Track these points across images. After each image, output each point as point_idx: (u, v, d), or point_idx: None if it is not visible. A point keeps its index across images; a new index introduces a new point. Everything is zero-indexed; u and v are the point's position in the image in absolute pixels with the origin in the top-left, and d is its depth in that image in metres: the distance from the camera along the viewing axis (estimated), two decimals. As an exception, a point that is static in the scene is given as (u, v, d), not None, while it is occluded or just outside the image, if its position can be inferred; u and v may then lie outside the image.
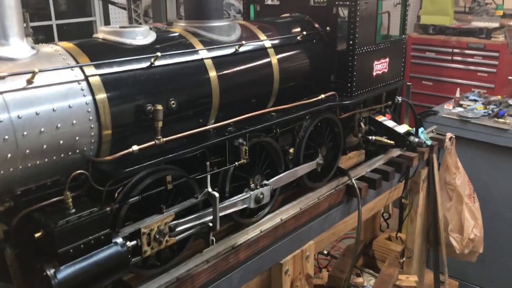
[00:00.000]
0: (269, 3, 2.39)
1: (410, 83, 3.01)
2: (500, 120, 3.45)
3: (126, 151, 1.46)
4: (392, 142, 2.47)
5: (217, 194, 1.70)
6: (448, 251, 3.10)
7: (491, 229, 3.28)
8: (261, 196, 1.95)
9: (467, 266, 3.33)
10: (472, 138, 3.48)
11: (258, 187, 1.94)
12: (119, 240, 1.44)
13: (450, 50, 4.88)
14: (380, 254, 3.25)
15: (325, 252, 3.31)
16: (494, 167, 3.46)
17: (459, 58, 4.87)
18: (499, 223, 3.43)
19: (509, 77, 3.67)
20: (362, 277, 3.09)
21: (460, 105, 3.74)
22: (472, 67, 4.78)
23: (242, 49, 1.82)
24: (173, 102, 1.58)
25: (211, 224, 1.75)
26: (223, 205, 1.80)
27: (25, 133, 1.28)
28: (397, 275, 3.01)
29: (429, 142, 2.92)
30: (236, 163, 1.77)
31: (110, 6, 4.30)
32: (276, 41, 1.99)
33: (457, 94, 3.79)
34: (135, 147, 1.47)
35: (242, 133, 1.75)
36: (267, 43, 1.95)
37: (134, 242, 1.52)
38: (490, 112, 3.57)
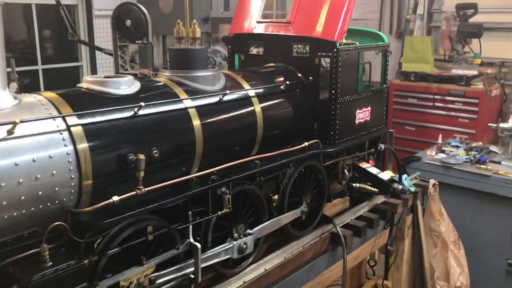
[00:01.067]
0: (253, 53, 2.44)
1: (392, 130, 3.05)
2: (482, 166, 3.49)
3: (106, 201, 1.43)
4: (376, 189, 2.48)
5: (199, 245, 1.66)
6: (435, 300, 3.06)
7: (478, 277, 3.25)
8: (245, 246, 1.92)
9: (455, 314, 3.27)
10: (455, 184, 3.51)
11: (241, 236, 1.91)
12: (96, 295, 1.40)
13: (432, 96, 4.99)
14: (367, 303, 3.20)
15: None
16: (479, 213, 3.47)
17: (440, 105, 4.97)
18: (485, 271, 3.40)
19: (489, 124, 3.74)
20: (348, 328, 3.01)
21: (443, 151, 3.79)
22: (453, 113, 4.88)
23: (226, 98, 1.84)
24: (156, 151, 1.58)
25: (192, 276, 1.70)
26: (205, 255, 1.76)
27: (3, 184, 1.26)
28: (385, 325, 2.95)
29: (412, 189, 2.94)
30: (219, 212, 1.75)
31: (97, 52, 4.34)
32: (260, 90, 2.02)
33: (439, 140, 3.85)
34: (115, 198, 1.45)
35: (226, 181, 1.74)
36: (251, 92, 1.97)
37: (112, 296, 1.47)
38: (472, 158, 3.62)
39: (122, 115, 1.54)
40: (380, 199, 2.80)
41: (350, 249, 2.57)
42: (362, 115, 2.37)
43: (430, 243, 3.11)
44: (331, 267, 2.50)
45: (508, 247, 3.36)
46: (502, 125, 3.64)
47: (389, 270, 3.16)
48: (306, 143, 2.12)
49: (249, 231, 1.96)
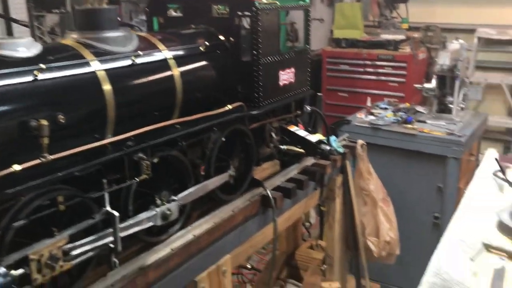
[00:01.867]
0: (172, 15, 2.34)
1: (321, 94, 3.08)
2: (408, 126, 3.62)
3: (6, 171, 1.34)
4: (303, 150, 2.50)
5: (116, 213, 1.60)
6: (367, 255, 3.17)
7: (407, 231, 3.40)
8: (168, 213, 1.87)
9: (387, 268, 3.42)
10: (384, 145, 3.62)
11: (164, 203, 1.87)
12: (1, 270, 1.31)
13: (362, 62, 5.09)
14: (303, 263, 3.26)
15: (249, 266, 3.27)
16: (406, 171, 3.62)
17: (371, 70, 5.09)
18: (413, 225, 3.57)
19: (415, 85, 3.87)
20: (285, 289, 3.07)
21: (372, 114, 3.89)
22: (383, 78, 5.02)
23: (139, 60, 1.75)
24: (61, 117, 1.48)
25: (112, 246, 1.64)
26: (126, 224, 1.70)
27: None
28: (319, 283, 3.03)
29: (341, 150, 2.99)
30: (137, 179, 1.69)
31: (14, 24, 4.05)
32: (177, 52, 1.94)
33: (368, 103, 3.94)
34: (17, 167, 1.35)
35: (142, 147, 1.67)
36: (167, 54, 1.90)
37: (21, 271, 1.39)
38: (399, 119, 3.74)
39: (20, 80, 1.42)
40: (309, 161, 2.83)
41: (281, 210, 2.58)
42: (286, 76, 2.36)
43: (360, 201, 3.20)
44: (263, 230, 2.51)
45: (434, 202, 3.54)
46: (426, 85, 3.78)
47: (323, 230, 3.24)
48: (229, 106, 2.08)
49: (173, 197, 1.91)
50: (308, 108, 2.67)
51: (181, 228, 2.05)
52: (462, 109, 3.86)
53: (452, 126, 3.59)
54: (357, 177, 3.19)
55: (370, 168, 3.22)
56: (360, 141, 3.17)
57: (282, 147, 2.50)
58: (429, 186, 3.52)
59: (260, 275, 3.05)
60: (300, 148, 2.51)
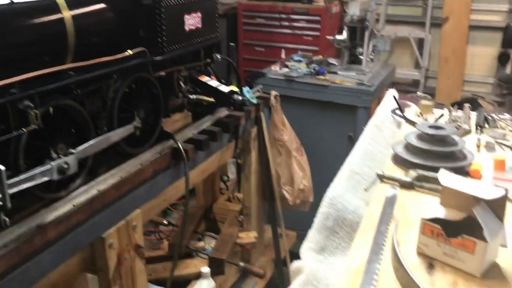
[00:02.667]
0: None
1: (233, 44, 3.00)
2: (321, 77, 3.67)
3: None
4: (212, 99, 2.44)
5: (2, 168, 1.46)
6: (282, 204, 3.24)
7: (320, 179, 3.49)
8: (66, 166, 1.75)
9: (302, 215, 3.51)
10: (297, 96, 3.66)
11: (61, 156, 1.74)
12: None
13: (278, 15, 5.05)
14: (221, 216, 3.27)
15: (166, 222, 3.22)
16: (319, 121, 3.70)
17: (286, 23, 5.07)
18: (326, 172, 3.66)
19: (327, 37, 3.92)
20: (203, 241, 3.07)
21: (286, 66, 3.90)
22: (298, 32, 5.02)
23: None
24: None
25: (1, 203, 1.51)
26: (16, 179, 1.57)
27: None
28: (237, 233, 3.05)
29: (255, 101, 2.97)
30: (24, 129, 1.54)
31: None
32: (67, -9, 1.77)
33: (283, 56, 3.94)
34: None
35: (27, 94, 1.52)
36: (56, -6, 1.72)
37: None
38: (312, 70, 3.78)
39: None
40: (223, 113, 2.78)
41: (195, 163, 2.53)
42: (192, 21, 2.26)
43: (275, 152, 3.23)
44: (175, 183, 2.45)
45: (345, 150, 3.64)
46: (337, 37, 3.83)
47: (240, 182, 3.25)
48: (130, 51, 1.95)
49: (71, 150, 1.78)
50: (218, 56, 2.59)
51: (85, 183, 1.94)
52: (372, 60, 3.97)
53: (362, 76, 3.69)
54: (271, 128, 3.21)
55: (284, 119, 3.25)
56: (273, 92, 3.17)
57: (191, 96, 2.42)
58: (341, 135, 3.63)
59: (177, 230, 3.02)
60: (209, 97, 2.45)
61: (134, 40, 2.07)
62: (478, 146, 1.55)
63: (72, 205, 1.84)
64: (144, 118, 2.19)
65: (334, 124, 3.65)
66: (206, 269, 2.70)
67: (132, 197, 2.16)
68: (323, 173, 3.74)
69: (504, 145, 1.50)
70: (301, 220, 3.83)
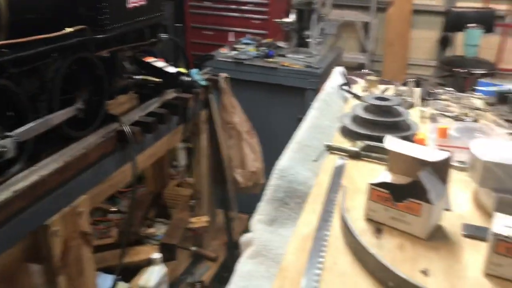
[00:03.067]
0: None
1: (181, 25, 2.93)
2: (269, 60, 3.66)
3: None
4: (158, 80, 2.37)
5: None
6: (234, 187, 3.22)
7: (271, 160, 3.50)
8: (3, 150, 1.65)
9: (254, 199, 3.51)
10: (247, 79, 3.64)
11: (-4, 139, 1.63)
12: None
13: (225, -2, 4.99)
14: (172, 201, 3.21)
15: (115, 209, 3.13)
16: (269, 103, 3.70)
17: (234, 7, 5.02)
18: (277, 153, 3.68)
19: (274, 20, 3.91)
20: (154, 228, 3.01)
21: (235, 49, 3.86)
22: (246, 15, 4.98)
23: None
24: None
25: None
26: None
27: None
28: (188, 218, 3.01)
29: (204, 83, 2.92)
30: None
31: None
32: (-3, -38, 1.65)
33: (232, 38, 3.90)
34: None
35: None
36: (-17, -36, 1.60)
37: None
38: (261, 53, 3.76)
39: None
40: (170, 95, 2.72)
41: (142, 147, 2.46)
42: (135, -2, 2.18)
43: (226, 135, 3.20)
44: (122, 168, 2.37)
45: (294, 131, 3.68)
46: (285, 19, 3.83)
47: (191, 167, 3.20)
48: (69, 29, 1.85)
49: (8, 133, 1.68)
50: (165, 36, 2.52)
51: (25, 168, 1.84)
52: (319, 43, 4.00)
53: (310, 59, 3.71)
54: (221, 111, 3.17)
55: (234, 101, 3.22)
56: (223, 74, 3.13)
57: (136, 77, 2.34)
58: (290, 117, 3.64)
59: (125, 217, 2.94)
60: (155, 78, 2.38)
61: (74, 18, 1.97)
62: (422, 118, 1.60)
63: (12, 191, 1.74)
64: (87, 100, 2.10)
65: (283, 106, 3.66)
66: (157, 255, 2.65)
67: (76, 183, 2.07)
68: (274, 155, 3.75)
69: (447, 116, 1.55)
70: (253, 203, 3.84)
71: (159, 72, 2.55)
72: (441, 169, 0.93)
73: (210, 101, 3.08)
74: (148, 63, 2.55)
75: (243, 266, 0.96)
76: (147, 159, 2.60)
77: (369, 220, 0.97)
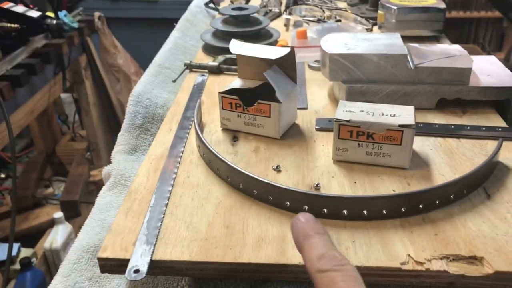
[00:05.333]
0: None
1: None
2: (149, -7, 3.45)
3: None
4: (16, 25, 2.15)
5: None
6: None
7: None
8: None
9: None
10: (128, 17, 3.42)
11: None
12: None
13: None
14: (67, 158, 3.04)
15: (3, 175, 2.92)
16: (154, 39, 3.51)
17: None
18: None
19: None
20: (52, 187, 2.85)
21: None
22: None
23: None
24: None
25: None
26: None
27: None
28: (87, 172, 2.88)
29: (75, 25, 2.70)
30: None
31: None
32: None
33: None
34: None
35: None
36: None
37: None
38: (141, -13, 3.53)
39: None
40: (40, 42, 2.49)
41: (16, 103, 2.26)
42: None
43: (113, 79, 3.04)
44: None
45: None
46: None
47: (81, 118, 3.03)
48: None
49: None
50: (15, -24, 2.25)
51: None
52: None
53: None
54: (103, 54, 2.98)
55: (116, 42, 3.03)
56: (97, 13, 2.91)
57: (-8, 25, 2.10)
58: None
59: (19, 181, 2.75)
60: (11, 23, 2.15)
61: None
62: (286, 26, 1.58)
63: None
64: None
65: (171, 41, 3.51)
66: (58, 214, 2.54)
67: None
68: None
69: (310, 20, 1.55)
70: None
71: (19, 17, 2.31)
72: (287, 67, 0.92)
73: (88, 45, 2.87)
74: (6, 9, 2.29)
75: (101, 199, 0.91)
76: (27, 116, 2.41)
77: (226, 130, 0.95)
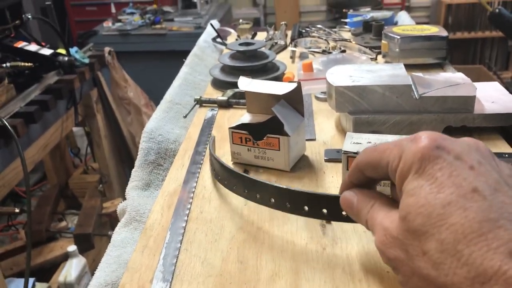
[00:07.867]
0: None
1: (49, 2, 2.73)
2: (157, 26, 3.54)
3: None
4: (29, 64, 2.21)
5: None
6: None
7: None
8: None
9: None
10: (136, 50, 3.50)
11: None
12: None
13: (103, -30, 4.70)
14: (80, 191, 3.08)
15: (17, 210, 2.95)
16: (163, 71, 3.59)
17: (113, -22, 4.75)
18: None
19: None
20: (65, 221, 2.88)
21: (119, 21, 3.69)
22: (128, -15, 4.75)
23: None
24: None
25: None
26: None
27: None
28: (100, 204, 2.91)
29: (86, 60, 2.77)
30: None
31: None
32: None
33: (113, 10, 3.71)
34: None
35: None
36: None
37: None
38: (148, 21, 3.63)
39: None
40: (52, 79, 2.55)
41: (30, 139, 2.32)
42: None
43: (124, 112, 3.09)
44: (12, 165, 2.22)
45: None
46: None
47: (93, 151, 3.07)
48: None
49: None
50: (29, 16, 2.33)
51: None
52: (207, 2, 3.93)
53: (199, 20, 3.64)
54: (113, 88, 3.05)
55: (126, 75, 3.10)
56: (107, 48, 2.98)
57: (4, 65, 2.17)
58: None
59: (33, 215, 2.78)
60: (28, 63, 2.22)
61: None
62: (292, 58, 1.62)
63: None
64: (-51, 99, 1.92)
65: (178, 72, 3.57)
66: (72, 248, 2.56)
67: (-44, 190, 1.92)
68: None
69: (315, 52, 1.58)
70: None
71: (32, 55, 2.38)
72: (294, 101, 0.95)
73: (99, 79, 2.94)
74: (20, 49, 2.37)
75: (117, 235, 0.93)
76: (40, 150, 2.45)
77: (236, 163, 0.97)
